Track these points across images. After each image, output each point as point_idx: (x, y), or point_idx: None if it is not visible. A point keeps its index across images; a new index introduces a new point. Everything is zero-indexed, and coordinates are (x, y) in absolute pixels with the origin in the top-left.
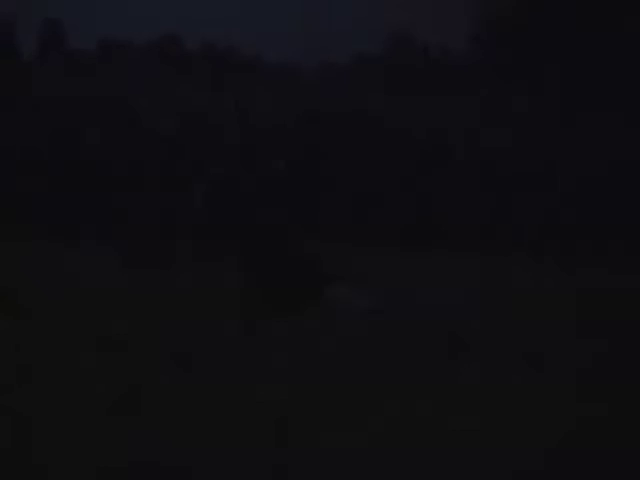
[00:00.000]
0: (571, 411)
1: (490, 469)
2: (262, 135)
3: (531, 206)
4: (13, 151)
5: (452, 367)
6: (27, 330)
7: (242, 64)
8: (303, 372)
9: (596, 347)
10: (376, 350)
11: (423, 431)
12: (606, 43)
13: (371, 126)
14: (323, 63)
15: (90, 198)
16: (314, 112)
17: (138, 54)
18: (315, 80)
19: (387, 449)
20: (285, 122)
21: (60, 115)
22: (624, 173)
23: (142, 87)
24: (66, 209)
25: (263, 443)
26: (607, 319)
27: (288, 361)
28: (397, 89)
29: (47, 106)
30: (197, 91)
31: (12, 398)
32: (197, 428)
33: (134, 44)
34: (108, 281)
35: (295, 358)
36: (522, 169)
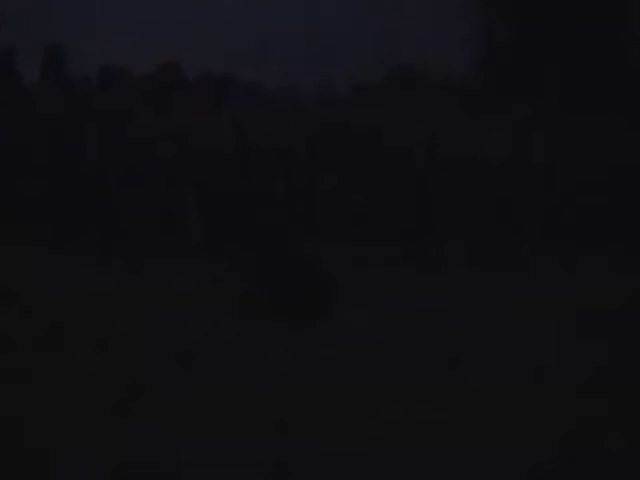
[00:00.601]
0: (571, 412)
1: (490, 469)
2: (261, 157)
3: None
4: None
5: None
6: (27, 330)
7: (242, 89)
8: (303, 373)
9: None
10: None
11: (423, 433)
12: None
13: (370, 145)
14: (323, 88)
15: (88, 206)
16: (314, 134)
17: (138, 81)
18: (315, 103)
19: (387, 451)
20: (284, 144)
21: (60, 132)
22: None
23: (141, 111)
24: (66, 213)
25: (263, 443)
26: None
27: (289, 361)
28: (397, 111)
29: (46, 125)
30: (196, 116)
31: (12, 397)
32: (197, 428)
33: (134, 71)
34: (109, 282)
35: (296, 358)
36: (520, 184)
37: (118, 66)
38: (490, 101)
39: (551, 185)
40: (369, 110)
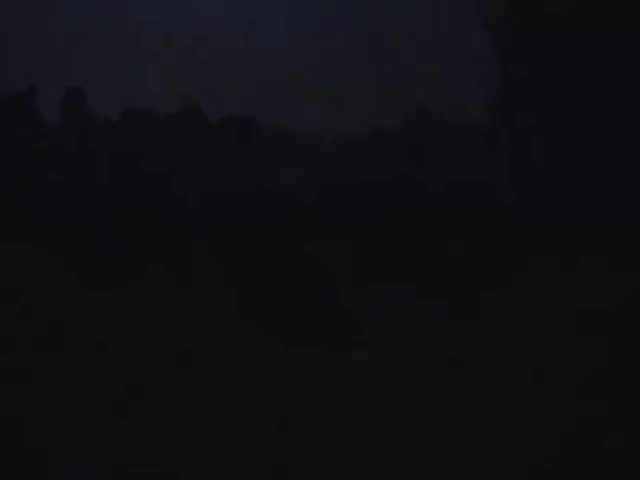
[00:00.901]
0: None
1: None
2: (281, 203)
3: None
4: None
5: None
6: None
7: (262, 133)
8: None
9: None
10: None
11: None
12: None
13: (386, 196)
14: (342, 134)
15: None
16: (333, 182)
17: (161, 122)
18: (334, 150)
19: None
20: (303, 190)
21: (83, 169)
22: None
23: (164, 153)
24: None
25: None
26: None
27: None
28: (416, 159)
29: (68, 164)
30: (217, 158)
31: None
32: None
33: (157, 112)
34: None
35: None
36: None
37: (139, 108)
38: (506, 142)
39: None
40: (387, 155)
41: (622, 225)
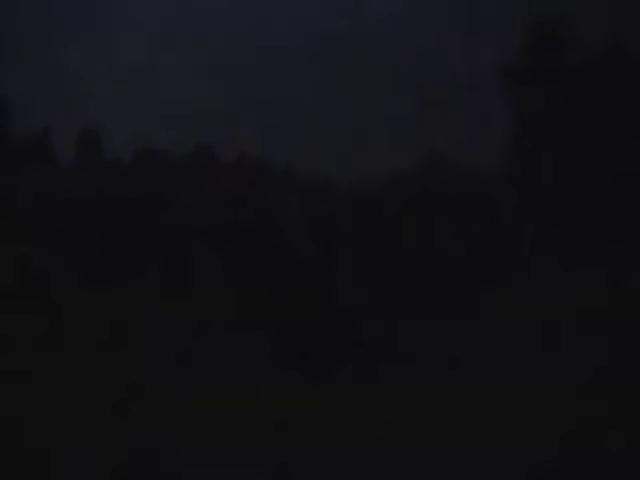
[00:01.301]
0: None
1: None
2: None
3: None
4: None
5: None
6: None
7: (275, 175)
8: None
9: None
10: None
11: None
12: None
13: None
14: (357, 177)
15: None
16: (345, 225)
17: (174, 162)
18: (348, 193)
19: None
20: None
21: (95, 213)
22: None
23: (177, 192)
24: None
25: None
26: None
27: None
28: (431, 207)
29: (81, 208)
30: (229, 198)
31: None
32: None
33: (170, 152)
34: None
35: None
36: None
37: (152, 148)
38: (519, 192)
39: None
40: (401, 198)
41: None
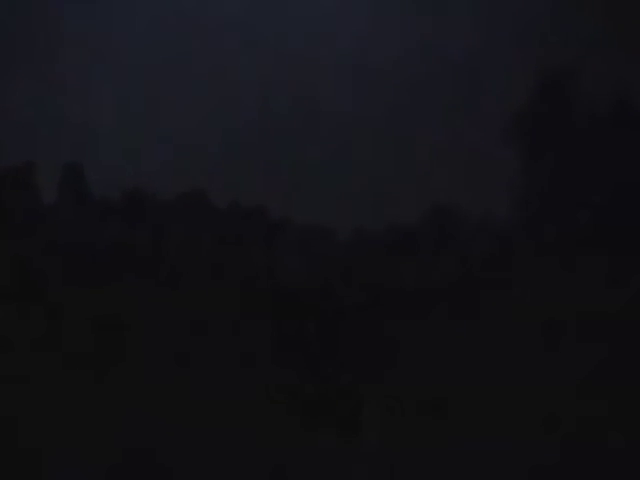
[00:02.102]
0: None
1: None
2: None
3: None
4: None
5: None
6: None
7: (270, 224)
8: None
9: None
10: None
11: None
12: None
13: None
14: (356, 228)
15: None
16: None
17: (165, 206)
18: (347, 244)
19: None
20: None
21: (85, 259)
22: None
23: (167, 236)
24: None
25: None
26: None
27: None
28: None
29: (69, 252)
30: (223, 245)
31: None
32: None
33: (161, 195)
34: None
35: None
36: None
37: (141, 190)
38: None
39: None
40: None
41: None
